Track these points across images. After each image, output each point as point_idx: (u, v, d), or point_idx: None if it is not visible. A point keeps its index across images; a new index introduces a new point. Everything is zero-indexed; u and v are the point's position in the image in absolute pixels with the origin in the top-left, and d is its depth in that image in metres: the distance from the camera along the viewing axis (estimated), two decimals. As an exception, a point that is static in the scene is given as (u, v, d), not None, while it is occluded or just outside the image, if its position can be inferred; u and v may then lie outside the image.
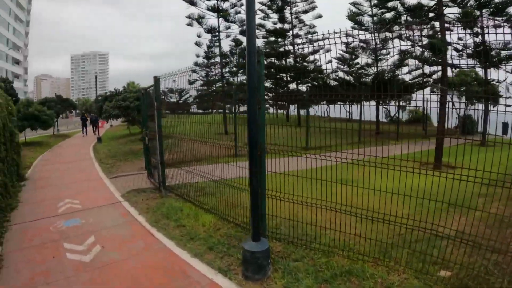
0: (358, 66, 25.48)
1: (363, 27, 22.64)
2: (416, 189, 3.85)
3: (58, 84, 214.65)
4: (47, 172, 12.56)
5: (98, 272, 4.70)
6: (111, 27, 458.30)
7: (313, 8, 27.95)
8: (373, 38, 20.03)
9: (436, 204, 3.98)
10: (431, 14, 13.79)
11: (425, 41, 13.19)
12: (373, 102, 19.55)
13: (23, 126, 19.08)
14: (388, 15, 18.36)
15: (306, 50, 21.86)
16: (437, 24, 12.87)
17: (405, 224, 3.99)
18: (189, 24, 24.00)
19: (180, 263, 4.92)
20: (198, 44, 24.77)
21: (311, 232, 5.07)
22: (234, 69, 27.03)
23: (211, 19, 24.05)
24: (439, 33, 12.43)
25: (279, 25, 29.31)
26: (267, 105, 13.76)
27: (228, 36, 25.31)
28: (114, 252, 5.34)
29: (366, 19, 23.82)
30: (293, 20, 29.28)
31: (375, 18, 23.28)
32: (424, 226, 3.85)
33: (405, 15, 15.21)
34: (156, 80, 8.23)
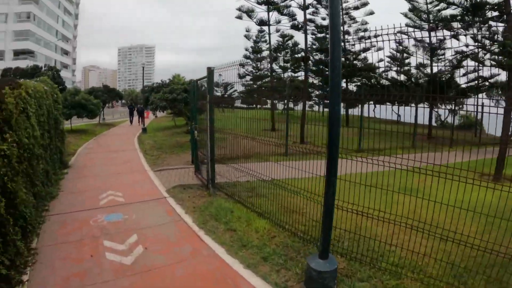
0: (412, 65, 23.93)
1: (418, 25, 21.14)
2: (482, 204, 3.62)
3: (105, 75, 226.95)
4: (91, 160, 12.70)
5: (140, 278, 4.32)
6: (157, 21, 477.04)
7: (365, 4, 26.66)
8: (429, 36, 18.60)
9: (508, 224, 3.63)
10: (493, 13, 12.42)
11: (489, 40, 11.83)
12: (421, 104, 18.31)
13: (70, 114, 19.74)
14: (446, 12, 16.98)
15: (357, 48, 20.75)
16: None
17: (477, 246, 3.67)
18: (239, 17, 23.59)
19: (231, 274, 4.44)
20: (247, 37, 24.30)
21: (376, 248, 4.64)
22: (284, 64, 26.38)
23: (261, 13, 23.40)
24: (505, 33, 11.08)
25: (327, 21, 28.22)
26: (311, 103, 13.21)
27: (278, 31, 24.61)
28: (158, 256, 4.92)
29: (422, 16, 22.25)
30: (343, 16, 28.09)
31: (430, 16, 21.63)
32: (498, 249, 3.56)
33: (464, 13, 13.85)
34: (210, 71, 7.79)
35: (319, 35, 25.29)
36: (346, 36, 27.75)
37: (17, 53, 58.14)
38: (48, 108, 9.07)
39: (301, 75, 24.42)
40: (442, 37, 12.70)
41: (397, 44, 22.16)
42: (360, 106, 14.35)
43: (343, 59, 26.70)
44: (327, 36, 26.91)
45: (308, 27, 22.41)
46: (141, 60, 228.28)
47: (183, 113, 17.33)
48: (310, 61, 23.17)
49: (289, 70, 26.05)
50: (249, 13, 22.75)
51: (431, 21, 21.47)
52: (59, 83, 16.37)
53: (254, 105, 12.56)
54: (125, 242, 5.30)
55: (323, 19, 26.86)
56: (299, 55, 23.42)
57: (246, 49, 26.28)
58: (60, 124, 10.91)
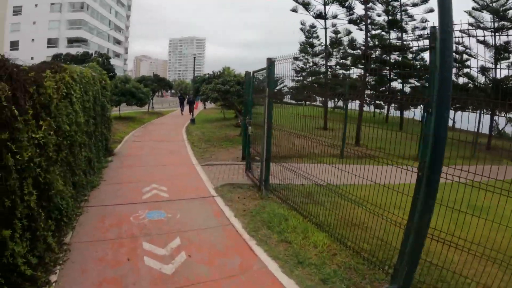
0: (473, 68, 21.90)
1: (481, 25, 19.16)
2: None
3: (156, 65, 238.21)
4: (137, 149, 12.69)
5: (180, 294, 3.78)
6: (208, 14, 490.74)
7: (425, 1, 24.71)
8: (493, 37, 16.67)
9: None
10: None
11: None
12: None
13: (119, 101, 20.17)
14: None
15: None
16: None
17: None
18: (294, 10, 22.79)
19: (287, 299, 3.87)
20: (303, 30, 23.40)
21: (449, 278, 3.99)
22: (342, 61, 25.35)
23: (318, 6, 22.40)
24: None
25: (383, 17, 26.63)
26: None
27: (333, 25, 23.48)
28: (202, 267, 4.45)
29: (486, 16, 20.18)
30: (400, 13, 26.30)
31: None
32: None
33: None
34: (271, 63, 7.23)
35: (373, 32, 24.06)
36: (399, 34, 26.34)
37: (71, 41, 62.00)
38: (95, 94, 9.01)
39: (355, 72, 23.42)
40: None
41: (457, 45, 20.43)
42: (423, 108, 13.16)
43: (399, 57, 25.32)
44: (383, 33, 25.57)
45: (364, 23, 21.16)
46: (191, 51, 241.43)
47: (234, 106, 16.96)
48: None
49: (347, 68, 25.04)
50: (306, 5, 21.87)
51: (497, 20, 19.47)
52: (109, 70, 16.67)
53: (304, 102, 11.96)
54: (166, 246, 4.88)
55: (379, 15, 25.52)
56: (357, 52, 22.34)
57: (301, 44, 25.58)
58: (107, 111, 10.91)
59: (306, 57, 25.58)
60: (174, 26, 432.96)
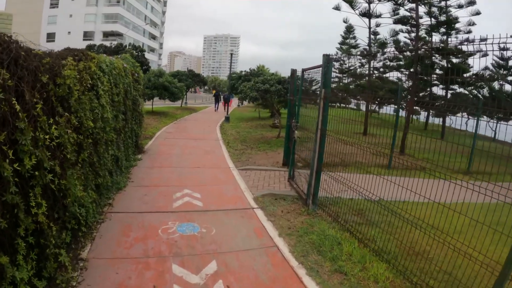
0: None
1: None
2: None
3: (190, 61, 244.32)
4: (168, 147, 12.15)
5: None
6: (243, 12, 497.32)
7: (472, 3, 22.68)
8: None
9: None
10: None
11: None
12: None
13: (152, 95, 19.80)
14: None
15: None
16: None
17: None
18: (336, 8, 21.65)
19: None
20: (348, 29, 22.17)
21: None
22: (391, 63, 24.00)
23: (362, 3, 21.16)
24: None
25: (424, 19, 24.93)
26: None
27: (377, 25, 22.10)
28: (244, 305, 3.59)
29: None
30: (444, 15, 24.44)
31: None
32: None
33: None
34: (328, 60, 6.41)
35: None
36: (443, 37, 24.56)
37: (106, 35, 63.70)
38: (126, 87, 8.47)
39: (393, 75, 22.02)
40: None
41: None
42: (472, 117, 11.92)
43: (442, 61, 23.68)
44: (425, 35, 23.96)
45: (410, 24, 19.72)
46: (225, 49, 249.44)
47: (273, 106, 16.09)
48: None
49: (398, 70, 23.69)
50: (352, 2, 20.68)
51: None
52: (143, 63, 16.24)
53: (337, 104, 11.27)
54: (200, 272, 4.13)
55: (420, 17, 23.92)
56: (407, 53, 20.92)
57: (342, 43, 24.43)
58: (139, 105, 10.35)
59: (347, 56, 24.47)
60: (209, 23, 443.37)
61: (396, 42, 22.22)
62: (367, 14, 20.70)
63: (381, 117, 14.70)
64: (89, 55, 6.08)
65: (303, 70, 8.25)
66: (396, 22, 20.66)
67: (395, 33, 21.20)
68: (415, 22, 17.85)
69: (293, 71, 9.82)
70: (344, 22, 21.89)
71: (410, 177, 4.20)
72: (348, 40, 25.15)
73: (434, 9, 18.64)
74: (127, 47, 17.74)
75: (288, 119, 9.96)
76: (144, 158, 10.06)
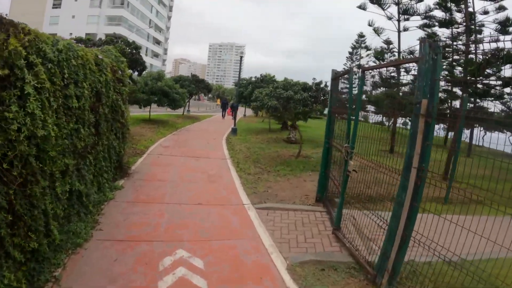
0: None
1: None
2: None
3: (195, 68, 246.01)
4: (162, 168, 9.47)
5: None
6: (248, 22, 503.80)
7: (502, 8, 20.00)
8: None
9: None
10: None
11: None
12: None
13: (148, 101, 17.08)
14: None
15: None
16: None
17: None
18: (362, 7, 19.09)
19: None
20: (376, 31, 19.35)
21: None
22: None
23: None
24: None
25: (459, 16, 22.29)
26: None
27: (405, 30, 19.44)
28: None
29: None
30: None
31: None
32: None
33: None
34: (434, 46, 3.82)
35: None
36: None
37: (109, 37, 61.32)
38: (99, 87, 5.77)
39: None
40: None
41: None
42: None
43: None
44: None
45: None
46: (230, 57, 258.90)
47: (294, 118, 13.25)
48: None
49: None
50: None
51: None
52: (136, 62, 13.44)
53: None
54: None
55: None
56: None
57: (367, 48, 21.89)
58: (122, 114, 7.61)
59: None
60: (214, 31, 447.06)
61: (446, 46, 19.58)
62: (407, 12, 18.01)
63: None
64: (16, 25, 3.41)
65: (364, 70, 5.49)
66: (421, 27, 18.05)
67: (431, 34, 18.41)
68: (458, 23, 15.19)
69: (336, 74, 7.13)
70: (369, 25, 19.18)
71: (475, 214, 3.04)
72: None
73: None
74: (119, 42, 14.81)
75: (327, 139, 7.29)
76: (127, 186, 7.36)
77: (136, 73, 14.36)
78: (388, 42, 19.35)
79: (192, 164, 10.33)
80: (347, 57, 62.95)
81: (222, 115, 36.16)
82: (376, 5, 18.41)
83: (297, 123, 16.01)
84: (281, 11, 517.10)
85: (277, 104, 11.01)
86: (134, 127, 16.10)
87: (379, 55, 18.10)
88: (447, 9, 15.25)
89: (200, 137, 17.08)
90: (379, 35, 17.87)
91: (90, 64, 5.38)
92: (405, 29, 18.95)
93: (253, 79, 25.81)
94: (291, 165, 11.04)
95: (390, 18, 18.83)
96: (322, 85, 11.88)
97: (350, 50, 63.30)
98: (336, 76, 7.11)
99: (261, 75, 22.98)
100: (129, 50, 13.50)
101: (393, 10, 17.75)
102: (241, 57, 19.47)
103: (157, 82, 17.44)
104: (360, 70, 5.64)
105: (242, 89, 24.54)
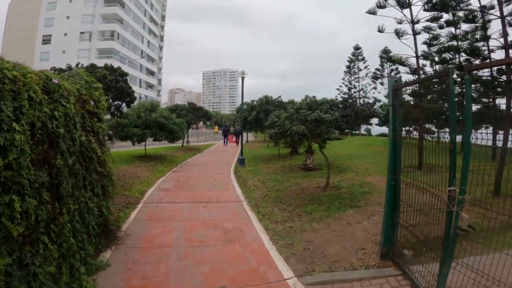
0: None
1: None
2: None
3: (190, 97, 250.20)
4: (163, 225, 7.30)
5: None
6: (240, 47, 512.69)
7: None
8: None
9: None
10: None
11: None
12: None
13: (143, 136, 14.90)
14: None
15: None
16: None
17: None
18: (372, 12, 17.40)
19: None
20: (398, 34, 17.45)
21: None
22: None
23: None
24: None
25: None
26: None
27: (428, 28, 17.61)
28: None
29: None
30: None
31: None
32: None
33: None
34: None
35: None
36: None
37: (101, 70, 60.16)
38: (50, 126, 3.64)
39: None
40: None
41: None
42: None
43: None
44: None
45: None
46: (225, 83, 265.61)
47: (322, 145, 10.86)
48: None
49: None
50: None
51: None
52: (122, 91, 11.29)
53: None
54: None
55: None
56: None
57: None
58: (100, 160, 5.44)
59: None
60: (207, 59, 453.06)
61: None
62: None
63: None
64: None
65: (471, 70, 3.38)
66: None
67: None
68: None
69: (398, 85, 5.04)
70: (380, 31, 17.31)
71: None
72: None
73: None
74: (101, 70, 12.61)
75: (392, 173, 5.14)
76: (114, 262, 5.16)
77: (124, 104, 12.28)
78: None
79: (200, 214, 8.08)
80: (345, 71, 61.71)
81: (224, 142, 35.84)
82: (385, 9, 16.69)
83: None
84: (270, 34, 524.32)
85: (304, 129, 8.75)
86: (128, 166, 13.92)
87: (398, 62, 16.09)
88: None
89: (204, 172, 14.85)
90: (399, 38, 15.91)
91: (32, 91, 3.26)
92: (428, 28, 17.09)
93: (255, 102, 23.84)
94: (323, 202, 8.84)
95: (400, 22, 17.05)
96: (350, 101, 9.76)
97: (348, 63, 62.57)
98: (395, 89, 5.00)
99: (265, 97, 20.85)
100: (113, 77, 11.39)
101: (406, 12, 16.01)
102: (243, 78, 17.38)
103: (151, 113, 15.35)
104: (465, 69, 3.57)
105: (245, 114, 22.47)
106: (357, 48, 55.39)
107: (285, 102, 19.51)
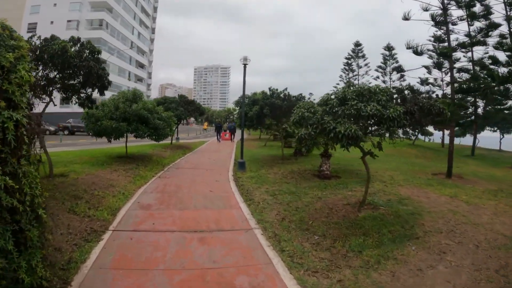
0: None
1: None
2: None
3: (181, 92, 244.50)
4: (138, 280, 4.53)
5: None
6: (233, 43, 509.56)
7: None
8: None
9: None
10: None
11: None
12: None
13: (118, 130, 11.98)
14: None
15: None
16: None
17: None
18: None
19: None
20: (434, 18, 14.82)
21: None
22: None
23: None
24: None
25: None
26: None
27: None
28: None
29: None
30: None
31: None
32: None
33: None
34: None
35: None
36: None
37: (87, 61, 56.95)
38: None
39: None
40: None
41: None
42: None
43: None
44: None
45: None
46: (216, 79, 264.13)
47: (373, 150, 7.94)
48: None
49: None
50: None
51: None
52: (91, 73, 7.99)
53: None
54: None
55: None
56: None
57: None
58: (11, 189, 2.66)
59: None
60: (199, 55, 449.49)
61: None
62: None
63: None
64: None
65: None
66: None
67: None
68: None
69: None
70: (406, 18, 14.65)
71: None
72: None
73: None
74: (61, 41, 9.10)
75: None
76: None
77: (96, 92, 9.25)
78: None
79: (196, 257, 5.27)
80: (342, 69, 58.96)
81: (217, 139, 35.25)
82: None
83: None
84: (264, 30, 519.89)
85: (357, 130, 5.79)
86: (103, 169, 11.03)
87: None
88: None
89: (197, 178, 11.95)
90: (437, 24, 13.25)
91: None
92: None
93: (257, 95, 20.88)
94: (368, 231, 6.23)
95: (426, 10, 14.45)
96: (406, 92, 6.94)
97: (345, 60, 59.64)
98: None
99: (270, 89, 17.73)
100: (75, 50, 8.19)
101: None
102: (245, 65, 14.36)
103: (132, 105, 12.44)
104: None
105: (245, 109, 19.50)
106: (357, 44, 52.83)
107: (293, 96, 16.70)
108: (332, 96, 6.74)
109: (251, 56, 14.09)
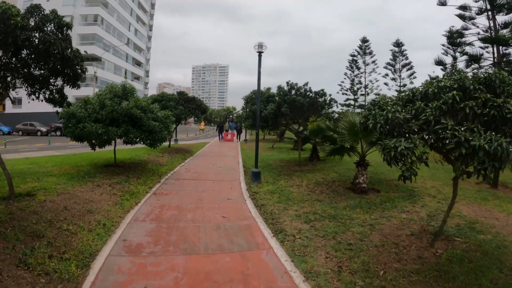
0: None
1: None
2: None
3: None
4: None
5: None
6: (230, 42, 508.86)
7: None
8: None
9: None
10: None
11: None
12: None
13: (106, 135, 9.48)
14: None
15: None
16: None
17: None
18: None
19: None
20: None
21: None
22: None
23: None
24: None
25: None
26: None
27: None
28: None
29: None
30: None
31: None
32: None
33: None
34: None
35: None
36: None
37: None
38: None
39: None
40: None
41: None
42: None
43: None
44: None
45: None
46: (214, 78, 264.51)
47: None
48: None
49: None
50: None
51: None
52: (48, 53, 5.66)
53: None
54: None
55: None
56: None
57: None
58: None
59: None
60: (197, 54, 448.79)
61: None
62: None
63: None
64: None
65: None
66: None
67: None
68: None
69: None
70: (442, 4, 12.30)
71: None
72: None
73: None
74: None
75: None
76: None
77: (67, 85, 6.67)
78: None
79: None
80: (347, 66, 56.24)
81: (219, 138, 35.99)
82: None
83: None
84: (261, 29, 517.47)
85: (508, 143, 3.41)
86: (82, 186, 8.54)
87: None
88: None
89: (204, 197, 9.37)
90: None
91: None
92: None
93: (273, 91, 18.17)
94: (464, 285, 3.90)
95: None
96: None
97: (350, 58, 57.03)
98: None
99: (288, 83, 14.93)
100: (37, 23, 5.51)
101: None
102: (260, 52, 11.75)
103: (121, 102, 9.99)
104: None
105: (254, 107, 16.84)
106: (364, 41, 50.45)
107: (315, 93, 14.05)
108: (446, 84, 4.11)
109: (250, 56, 11.84)
